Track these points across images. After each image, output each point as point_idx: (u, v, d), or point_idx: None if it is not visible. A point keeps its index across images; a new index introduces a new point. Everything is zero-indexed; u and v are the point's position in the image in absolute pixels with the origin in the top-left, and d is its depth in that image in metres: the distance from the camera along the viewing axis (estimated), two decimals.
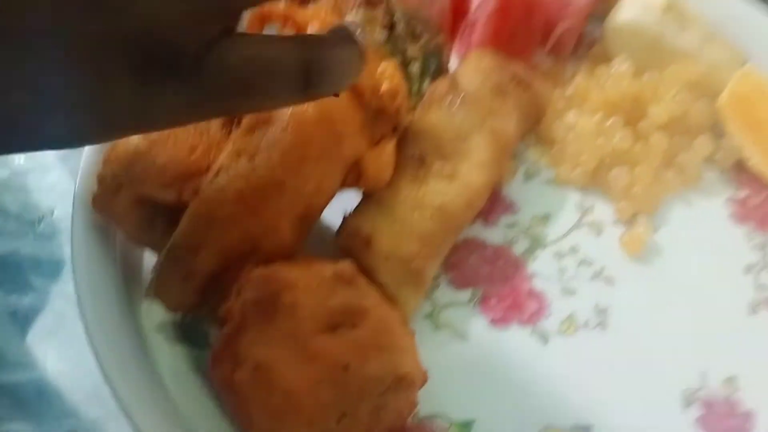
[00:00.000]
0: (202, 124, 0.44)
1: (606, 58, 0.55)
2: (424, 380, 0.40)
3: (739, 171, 0.52)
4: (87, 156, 0.47)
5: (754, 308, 0.47)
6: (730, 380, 0.44)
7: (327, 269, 0.41)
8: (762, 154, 0.51)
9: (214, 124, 0.45)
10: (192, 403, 0.40)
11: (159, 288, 0.42)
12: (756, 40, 0.55)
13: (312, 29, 0.45)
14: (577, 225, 0.50)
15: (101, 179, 0.45)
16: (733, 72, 0.53)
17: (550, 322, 0.46)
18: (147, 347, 0.42)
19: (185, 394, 0.41)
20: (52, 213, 0.53)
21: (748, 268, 0.48)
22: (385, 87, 0.45)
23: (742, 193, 0.52)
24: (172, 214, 0.43)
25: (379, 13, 0.52)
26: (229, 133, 0.44)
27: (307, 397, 0.37)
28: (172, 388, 0.40)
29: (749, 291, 0.47)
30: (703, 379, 0.44)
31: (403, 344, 0.40)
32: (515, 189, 0.51)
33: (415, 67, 0.52)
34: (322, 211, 0.44)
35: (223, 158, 0.42)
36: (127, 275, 0.45)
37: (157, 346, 0.43)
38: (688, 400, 0.43)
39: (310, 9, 0.48)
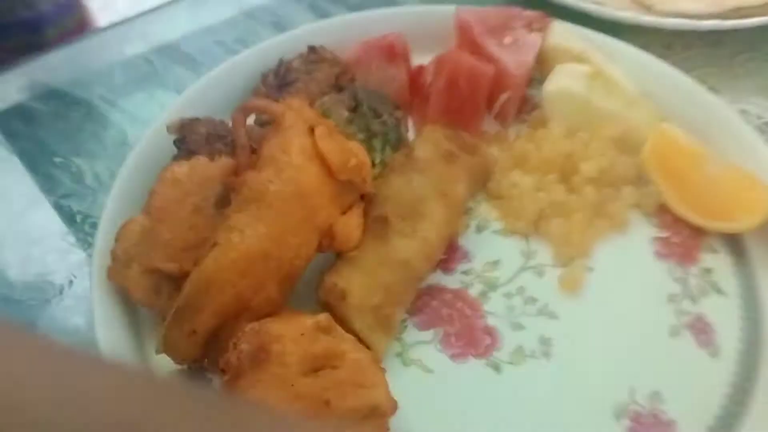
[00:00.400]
0: (200, 203, 0.53)
1: (544, 122, 0.64)
2: (395, 408, 0.48)
3: (662, 214, 0.61)
4: (101, 234, 0.55)
5: (675, 332, 0.55)
6: (655, 394, 0.52)
7: (308, 321, 0.49)
8: (680, 199, 0.60)
9: (209, 203, 0.53)
10: None
11: (167, 344, 0.50)
12: (674, 101, 0.64)
13: (288, 118, 0.53)
14: (523, 268, 0.58)
15: (114, 255, 0.53)
16: (652, 129, 0.61)
17: (501, 354, 0.53)
18: None
19: None
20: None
21: (671, 298, 0.56)
22: (352, 163, 0.54)
23: (665, 233, 0.60)
24: (176, 281, 0.51)
25: (345, 96, 0.61)
26: (222, 209, 0.52)
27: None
28: None
29: (671, 317, 0.55)
30: (631, 395, 0.52)
31: (376, 380, 0.48)
32: (469, 240, 0.59)
33: (377, 141, 0.60)
34: (302, 272, 0.52)
35: (217, 233, 0.50)
36: (141, 333, 0.53)
37: None
38: (619, 414, 0.51)
39: (286, 100, 0.57)
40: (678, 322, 0.55)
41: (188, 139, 0.58)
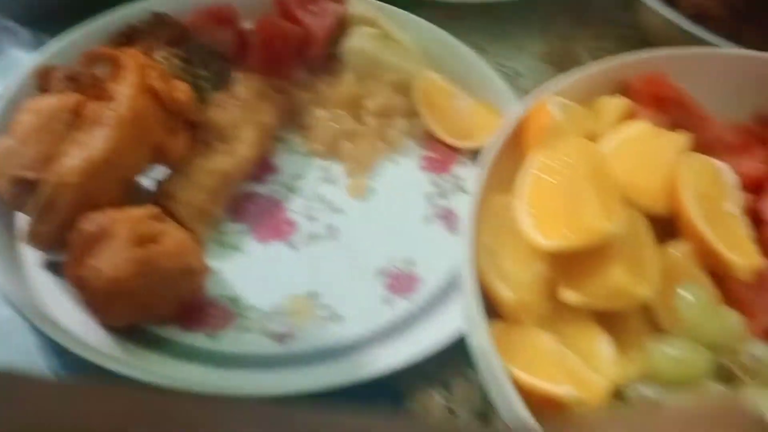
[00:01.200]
0: (55, 127, 0.68)
1: (341, 72, 0.82)
2: (207, 270, 0.64)
3: (428, 139, 0.80)
4: None
5: (429, 219, 0.74)
6: (409, 260, 0.70)
7: (140, 211, 0.64)
8: (439, 126, 0.79)
9: (62, 126, 0.68)
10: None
11: (33, 236, 0.65)
12: (439, 55, 0.83)
13: (125, 60, 0.69)
14: (320, 179, 0.76)
15: None
16: (420, 76, 0.80)
17: (298, 238, 0.71)
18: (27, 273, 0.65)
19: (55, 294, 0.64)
20: None
21: (428, 196, 0.75)
22: (178, 96, 0.70)
23: (429, 153, 0.79)
24: (36, 187, 0.66)
25: (179, 51, 0.77)
26: (72, 130, 0.67)
27: (126, 282, 0.60)
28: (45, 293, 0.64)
29: (427, 209, 0.74)
30: (390, 261, 0.70)
31: (191, 250, 0.64)
32: (279, 159, 0.77)
33: (206, 85, 0.77)
34: (138, 176, 0.68)
35: (68, 147, 0.65)
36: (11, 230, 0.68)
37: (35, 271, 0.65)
38: (380, 274, 0.69)
39: (129, 52, 0.72)
40: (430, 213, 0.74)
41: (48, 82, 0.73)
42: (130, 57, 0.69)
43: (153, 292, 0.61)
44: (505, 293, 0.56)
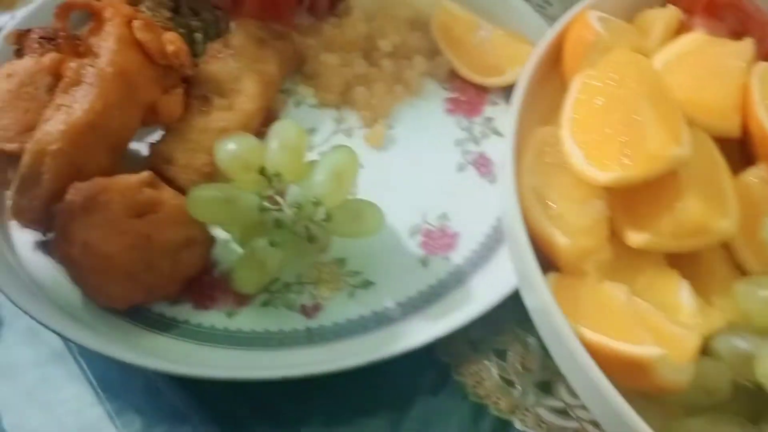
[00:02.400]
0: (33, 92, 0.60)
1: (348, 11, 0.73)
2: (211, 241, 0.56)
3: (452, 79, 0.71)
4: None
5: (461, 167, 0.65)
6: (443, 215, 0.62)
7: (134, 178, 0.57)
8: (462, 63, 0.70)
9: (42, 90, 0.60)
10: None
11: (16, 210, 0.57)
12: None
13: (107, 12, 0.60)
14: (335, 132, 0.67)
15: None
16: (435, 8, 0.71)
17: None
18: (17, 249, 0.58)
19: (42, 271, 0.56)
20: None
21: (458, 142, 0.67)
22: (170, 49, 0.61)
23: (454, 94, 0.70)
24: (18, 159, 0.58)
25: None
26: (53, 94, 0.59)
27: (120, 257, 0.52)
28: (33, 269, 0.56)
29: (458, 157, 0.66)
30: (423, 218, 0.62)
31: (192, 219, 0.56)
32: (288, 113, 0.68)
33: (198, 35, 0.68)
34: (128, 142, 0.60)
35: (49, 112, 0.57)
36: None
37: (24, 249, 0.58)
38: (414, 232, 0.61)
39: (110, 1, 0.64)
40: (463, 160, 0.66)
41: (24, 45, 0.65)
42: (112, 7, 0.61)
43: (153, 267, 0.54)
44: (561, 240, 0.48)
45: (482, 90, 0.70)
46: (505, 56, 0.68)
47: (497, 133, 0.67)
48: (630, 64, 0.49)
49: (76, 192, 0.54)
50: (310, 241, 0.54)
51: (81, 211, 0.54)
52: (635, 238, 0.47)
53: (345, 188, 0.54)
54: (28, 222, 0.58)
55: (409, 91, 0.69)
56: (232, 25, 0.71)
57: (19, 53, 0.66)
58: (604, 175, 0.47)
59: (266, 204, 0.54)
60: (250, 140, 0.56)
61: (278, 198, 0.54)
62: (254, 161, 0.55)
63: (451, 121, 0.68)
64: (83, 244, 0.52)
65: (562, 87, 0.52)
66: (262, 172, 0.55)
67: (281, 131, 0.56)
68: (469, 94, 0.70)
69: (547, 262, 0.48)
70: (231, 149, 0.56)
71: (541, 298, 0.44)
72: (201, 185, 0.56)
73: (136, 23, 0.61)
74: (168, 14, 0.68)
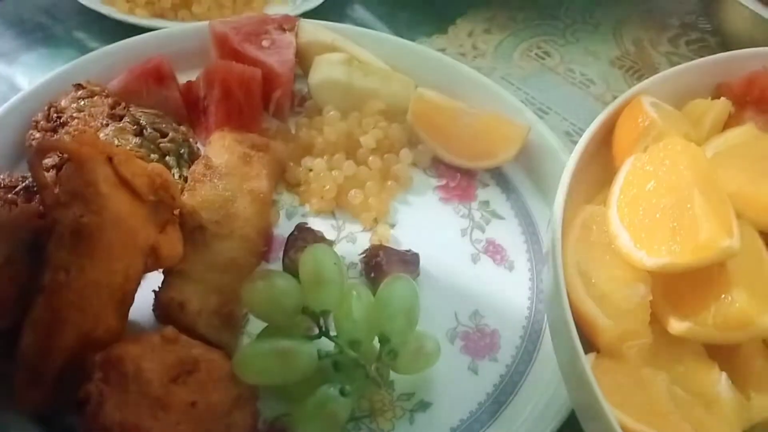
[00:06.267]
0: (11, 256, 0.51)
1: (318, 110, 0.70)
2: (257, 395, 0.51)
3: (437, 165, 0.70)
4: None
5: (475, 258, 0.64)
6: (475, 314, 0.60)
7: (154, 337, 0.50)
8: (447, 150, 0.69)
9: (22, 253, 0.51)
10: None
11: (21, 398, 0.48)
12: (422, 69, 0.74)
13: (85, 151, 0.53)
14: (337, 240, 0.64)
15: None
16: (410, 96, 0.70)
17: None
18: None
19: None
20: None
21: (463, 232, 0.65)
22: (157, 182, 0.55)
23: (443, 181, 0.69)
24: (13, 337, 0.49)
25: (127, 124, 0.62)
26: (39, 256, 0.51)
27: None
28: None
29: (469, 247, 0.64)
30: (456, 319, 0.59)
31: (232, 374, 0.50)
32: (283, 228, 0.63)
33: (171, 158, 0.62)
34: (134, 294, 0.53)
35: (42, 276, 0.49)
36: None
37: None
38: (452, 338, 0.58)
39: (77, 135, 0.56)
40: (476, 250, 0.64)
41: None
42: (88, 146, 0.53)
43: None
44: (603, 321, 0.47)
45: (468, 173, 0.69)
46: (496, 139, 0.68)
47: (498, 216, 0.67)
48: (683, 152, 0.50)
49: (99, 368, 0.47)
50: (381, 384, 0.50)
51: (110, 390, 0.46)
52: (677, 325, 0.47)
53: (413, 324, 0.51)
54: (33, 407, 0.49)
55: (401, 185, 0.67)
56: (202, 139, 0.65)
57: None
58: (652, 260, 0.47)
59: (326, 351, 0.49)
60: (279, 278, 0.52)
61: (336, 340, 0.50)
62: (291, 302, 0.51)
63: (449, 210, 0.67)
64: (122, 430, 0.45)
65: (608, 167, 0.52)
66: (306, 311, 0.50)
67: (314, 262, 0.52)
68: (457, 179, 0.69)
69: (586, 341, 0.47)
70: (262, 293, 0.51)
71: (588, 390, 0.42)
72: (248, 344, 0.51)
73: (117, 159, 0.54)
74: (134, 140, 0.61)
